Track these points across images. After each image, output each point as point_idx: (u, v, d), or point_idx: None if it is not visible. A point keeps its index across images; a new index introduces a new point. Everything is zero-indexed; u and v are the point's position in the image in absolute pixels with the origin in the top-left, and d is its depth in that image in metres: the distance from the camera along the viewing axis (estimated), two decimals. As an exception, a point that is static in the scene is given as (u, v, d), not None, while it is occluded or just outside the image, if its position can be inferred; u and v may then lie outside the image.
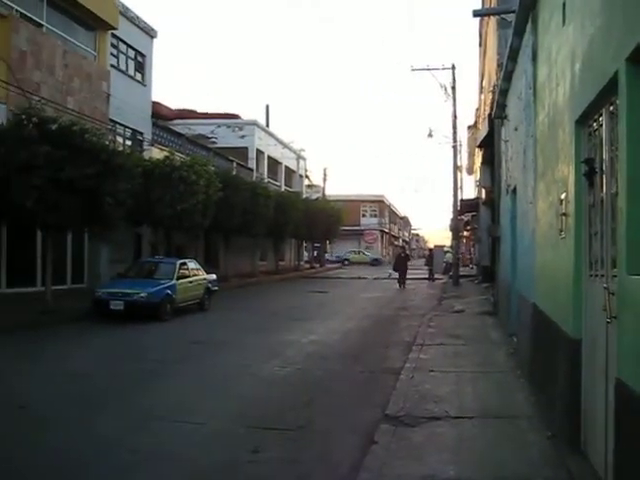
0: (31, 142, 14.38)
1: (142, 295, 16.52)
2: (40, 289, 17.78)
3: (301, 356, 11.89)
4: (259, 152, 41.31)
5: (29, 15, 18.88)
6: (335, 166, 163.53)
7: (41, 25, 19.43)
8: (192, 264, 20.05)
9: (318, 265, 53.23)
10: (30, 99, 16.82)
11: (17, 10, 18.25)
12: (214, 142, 37.46)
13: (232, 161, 35.47)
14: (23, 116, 15.24)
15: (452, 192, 35.51)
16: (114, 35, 23.68)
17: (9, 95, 16.91)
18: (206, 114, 40.95)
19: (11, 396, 8.45)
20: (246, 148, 39.79)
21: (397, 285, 31.53)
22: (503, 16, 16.72)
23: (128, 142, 25.22)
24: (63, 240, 19.84)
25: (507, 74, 12.17)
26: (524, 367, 9.39)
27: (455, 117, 34.46)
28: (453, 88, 34.03)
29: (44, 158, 14.21)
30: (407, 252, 35.89)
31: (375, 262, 65.67)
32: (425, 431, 6.77)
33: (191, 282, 18.93)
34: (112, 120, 22.92)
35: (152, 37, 27.34)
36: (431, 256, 39.78)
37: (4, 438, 6.77)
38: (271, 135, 44.46)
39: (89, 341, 13.74)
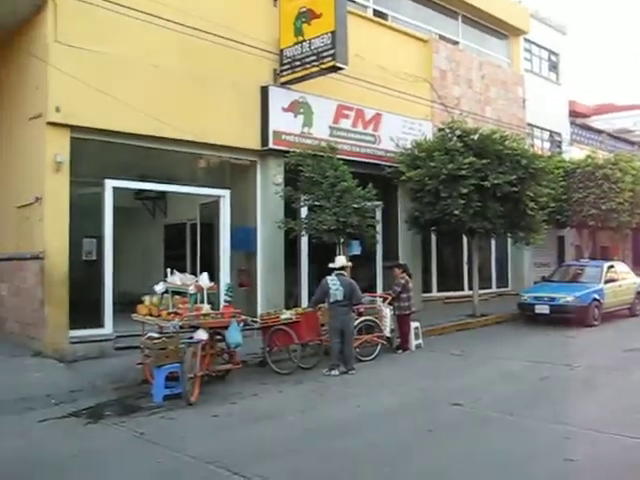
0: (456, 154, 15.20)
1: (568, 299, 16.15)
2: (467, 293, 18.65)
3: None
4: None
5: (446, 35, 20.08)
6: None
7: (457, 42, 20.49)
8: (621, 267, 18.94)
9: None
10: (452, 113, 17.86)
11: (435, 33, 19.57)
12: (638, 135, 34.87)
13: (660, 153, 32.58)
14: (447, 130, 16.23)
15: None
16: (525, 38, 23.73)
17: (433, 112, 18.18)
18: (627, 106, 38.26)
19: (448, 394, 8.94)
20: (678, 137, 36.10)
21: None
22: None
23: (546, 144, 25.01)
24: (487, 245, 20.55)
25: None
26: None
27: None
28: None
29: (468, 168, 14.88)
30: None
31: None
32: None
33: (620, 286, 17.82)
34: (529, 124, 22.97)
35: (563, 34, 26.62)
36: None
37: (445, 435, 7.21)
38: None
39: (516, 343, 13.97)
